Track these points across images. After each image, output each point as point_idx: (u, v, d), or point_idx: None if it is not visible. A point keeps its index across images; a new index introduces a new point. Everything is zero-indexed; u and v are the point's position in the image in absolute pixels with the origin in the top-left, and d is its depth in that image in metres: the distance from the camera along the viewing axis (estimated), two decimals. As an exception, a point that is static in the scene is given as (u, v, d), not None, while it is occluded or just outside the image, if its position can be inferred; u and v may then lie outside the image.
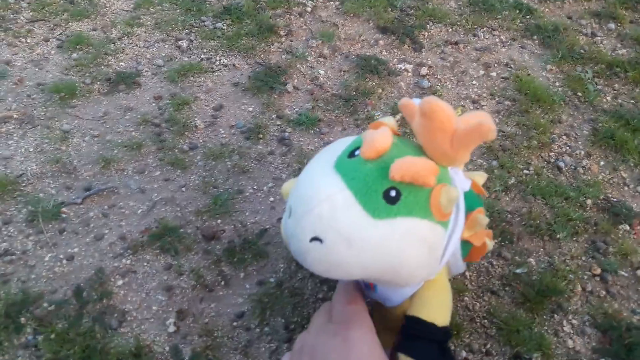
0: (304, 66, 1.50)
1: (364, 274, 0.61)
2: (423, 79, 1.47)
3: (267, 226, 1.10)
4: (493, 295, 1.00)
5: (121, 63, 1.48)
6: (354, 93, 1.41)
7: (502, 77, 1.52)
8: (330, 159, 0.62)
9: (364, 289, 0.76)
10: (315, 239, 0.57)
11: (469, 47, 1.61)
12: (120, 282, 1.01)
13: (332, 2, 1.74)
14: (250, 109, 1.36)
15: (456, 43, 1.60)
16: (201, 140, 1.27)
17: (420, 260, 0.61)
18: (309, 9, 1.70)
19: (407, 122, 0.67)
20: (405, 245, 0.58)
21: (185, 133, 1.28)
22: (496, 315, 0.96)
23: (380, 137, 0.59)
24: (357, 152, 0.60)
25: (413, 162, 0.57)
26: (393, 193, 0.57)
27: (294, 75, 1.46)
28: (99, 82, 1.41)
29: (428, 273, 0.65)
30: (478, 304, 0.99)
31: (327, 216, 0.56)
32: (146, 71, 1.46)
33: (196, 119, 1.32)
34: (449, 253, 0.65)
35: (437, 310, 0.71)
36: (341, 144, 0.66)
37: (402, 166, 0.56)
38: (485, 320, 0.96)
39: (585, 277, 1.04)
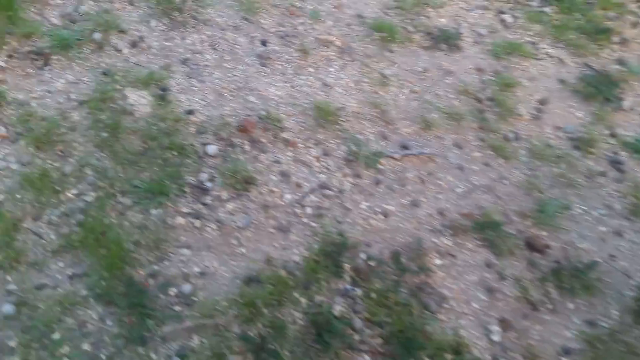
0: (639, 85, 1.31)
1: None
2: None
3: (598, 259, 0.97)
4: None
5: (441, 19, 1.38)
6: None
7: None
8: None
9: None
10: None
11: None
12: (438, 262, 0.93)
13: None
14: (579, 114, 1.21)
15: None
16: (525, 133, 1.15)
17: None
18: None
19: None
20: None
21: (509, 119, 1.17)
22: None
23: None
24: None
25: None
26: None
27: (629, 93, 1.28)
28: (419, 33, 1.32)
29: None
30: None
31: None
32: (467, 36, 1.34)
33: (519, 107, 1.20)
34: None
35: None
36: None
37: None
38: None
39: None
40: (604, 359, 0.85)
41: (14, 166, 0.94)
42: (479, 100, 1.21)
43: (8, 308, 0.80)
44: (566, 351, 0.86)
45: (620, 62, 1.37)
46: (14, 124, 0.99)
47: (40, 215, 0.89)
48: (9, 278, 0.82)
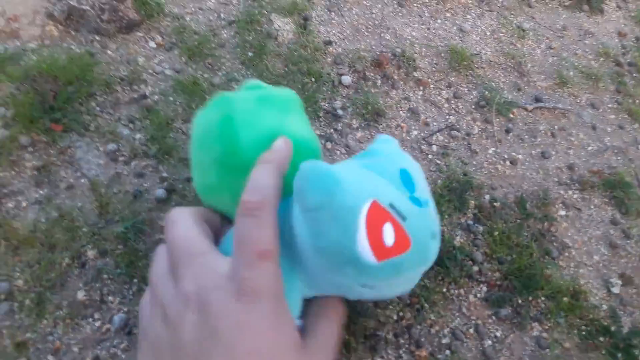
0: None
1: None
2: None
3: None
4: None
5: (585, -20, 1.33)
6: None
7: None
8: None
9: None
10: None
11: None
12: (563, 213, 0.92)
13: None
14: None
15: None
16: (665, 102, 1.10)
17: None
18: None
19: None
20: None
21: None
22: None
23: None
24: None
25: None
26: None
27: None
28: (563, -9, 1.28)
29: None
30: None
31: None
32: (610, 1, 1.29)
33: (662, 76, 1.14)
34: None
35: None
36: None
37: None
38: None
39: None
40: None
41: (168, 72, 1.02)
42: (618, 64, 1.17)
43: (161, 192, 0.88)
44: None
45: None
46: (169, 35, 1.07)
47: (189, 118, 0.96)
48: (161, 167, 0.90)
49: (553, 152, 1.00)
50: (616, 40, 1.20)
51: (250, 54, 1.06)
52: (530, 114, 1.04)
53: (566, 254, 0.88)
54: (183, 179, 0.89)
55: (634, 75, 1.12)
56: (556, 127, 1.03)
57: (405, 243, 0.41)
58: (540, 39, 1.17)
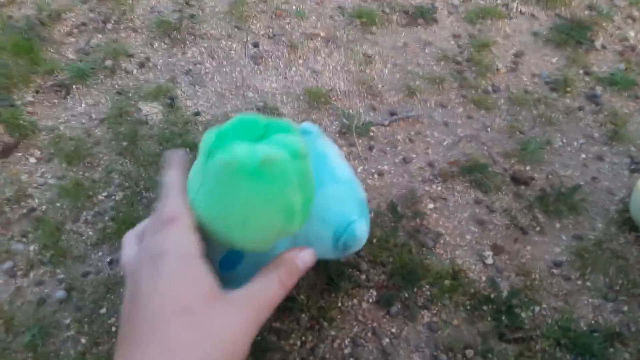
0: (611, 26, 1.39)
1: None
2: None
3: (581, 182, 1.05)
4: None
5: (416, -1, 1.48)
6: (673, 61, 1.28)
7: None
8: None
9: None
10: None
11: None
12: (431, 206, 1.02)
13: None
14: (554, 60, 1.29)
15: None
16: (504, 84, 1.24)
17: None
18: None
19: None
20: None
21: (487, 75, 1.25)
22: None
23: None
24: None
25: None
26: None
27: (600, 33, 1.36)
28: (397, 14, 1.42)
29: None
30: None
31: None
32: (442, 9, 1.44)
33: (497, 62, 1.28)
34: None
35: None
36: None
37: None
38: None
39: None
40: (592, 265, 0.93)
41: (51, 181, 1.08)
42: (457, 63, 1.30)
43: (61, 294, 0.93)
44: (556, 264, 0.94)
45: (590, 7, 1.45)
46: (47, 147, 1.14)
47: (78, 217, 1.02)
48: (58, 270, 0.96)
49: (413, 155, 1.10)
50: (452, 42, 1.33)
51: (125, 143, 1.14)
52: (388, 128, 1.15)
53: (441, 241, 0.97)
54: (80, 275, 0.94)
55: (473, 68, 1.25)
56: (412, 133, 1.14)
57: None
58: (386, 60, 1.29)
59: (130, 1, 1.45)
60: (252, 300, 0.45)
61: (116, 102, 1.22)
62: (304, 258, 0.51)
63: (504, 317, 0.87)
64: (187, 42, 1.36)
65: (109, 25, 1.41)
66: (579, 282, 0.91)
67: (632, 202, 0.93)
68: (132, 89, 1.24)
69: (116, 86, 1.26)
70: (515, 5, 1.45)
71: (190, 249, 0.44)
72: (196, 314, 0.41)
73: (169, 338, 0.39)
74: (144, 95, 1.22)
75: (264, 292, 0.47)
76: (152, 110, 1.20)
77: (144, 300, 0.41)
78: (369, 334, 0.86)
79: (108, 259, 0.95)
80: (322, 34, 1.38)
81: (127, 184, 1.07)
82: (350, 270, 0.91)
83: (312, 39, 1.36)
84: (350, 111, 1.19)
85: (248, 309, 0.44)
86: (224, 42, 1.36)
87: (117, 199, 1.05)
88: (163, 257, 0.43)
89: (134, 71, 1.29)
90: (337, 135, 1.14)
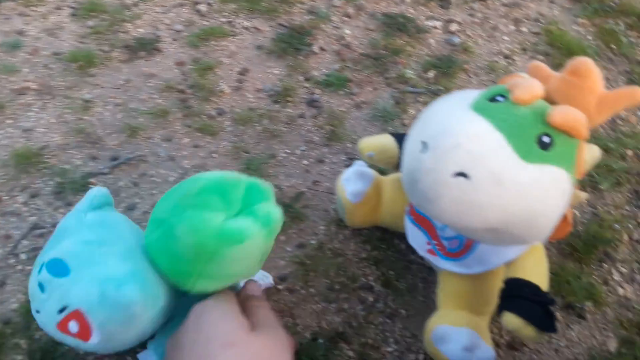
0: (329, 26, 1.44)
1: (499, 219, 0.59)
2: (453, 35, 1.42)
3: (303, 189, 1.06)
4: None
5: (139, 29, 1.43)
6: (383, 52, 1.36)
7: (533, 32, 1.46)
8: (462, 103, 0.62)
9: (441, 253, 0.76)
10: (460, 174, 0.55)
11: (497, 3, 1.55)
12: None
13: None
14: (276, 71, 1.31)
15: (484, -1, 1.54)
16: (228, 105, 1.23)
17: (557, 213, 0.60)
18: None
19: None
20: (550, 193, 0.58)
21: (212, 98, 1.24)
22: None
23: (536, 84, 0.60)
24: (499, 98, 0.60)
25: (572, 111, 0.57)
26: (546, 139, 0.58)
27: (319, 36, 1.41)
28: (117, 50, 1.36)
29: (550, 230, 0.63)
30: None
31: (478, 152, 0.55)
32: (166, 37, 1.40)
33: (221, 84, 1.27)
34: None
35: (539, 278, 0.69)
36: (465, 93, 0.66)
37: (564, 113, 0.57)
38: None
39: (631, 226, 1.02)
40: (314, 270, 0.94)
41: None
42: (181, 92, 1.27)
43: None
44: (281, 279, 0.93)
45: (311, 12, 1.49)
46: None
47: None
48: None
49: (138, 201, 1.04)
50: (176, 71, 1.30)
51: None
52: (110, 176, 1.08)
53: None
54: None
55: (197, 94, 1.23)
56: (136, 175, 1.08)
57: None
58: (107, 102, 1.22)
59: None
60: (270, 326, 0.63)
61: None
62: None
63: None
64: None
65: None
66: (303, 292, 0.91)
67: (337, 199, 0.96)
68: None
69: None
70: (239, 21, 1.45)
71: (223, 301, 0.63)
72: (238, 346, 0.56)
73: None
74: None
75: (268, 317, 0.66)
76: None
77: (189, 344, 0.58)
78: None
79: None
80: (34, 86, 1.27)
81: None
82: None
83: (23, 94, 1.25)
84: (67, 166, 1.10)
85: (273, 334, 0.62)
86: None
87: None
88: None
89: None
90: (53, 197, 1.04)
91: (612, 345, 0.89)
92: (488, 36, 1.44)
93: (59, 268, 0.64)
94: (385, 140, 0.87)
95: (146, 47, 1.38)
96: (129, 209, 1.04)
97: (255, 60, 1.35)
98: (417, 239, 0.82)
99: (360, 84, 1.28)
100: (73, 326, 0.61)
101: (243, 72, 1.32)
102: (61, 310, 0.63)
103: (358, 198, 0.87)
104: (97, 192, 0.74)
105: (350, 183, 0.89)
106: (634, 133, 1.21)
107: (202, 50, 1.38)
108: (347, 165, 1.09)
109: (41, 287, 0.65)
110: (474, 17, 1.50)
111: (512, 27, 1.48)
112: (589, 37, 1.48)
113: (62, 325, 0.62)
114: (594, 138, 1.15)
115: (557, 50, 1.41)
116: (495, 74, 1.33)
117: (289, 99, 1.24)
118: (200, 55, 1.36)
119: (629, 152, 1.17)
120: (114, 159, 1.12)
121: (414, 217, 0.81)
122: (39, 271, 0.66)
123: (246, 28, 1.45)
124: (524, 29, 1.48)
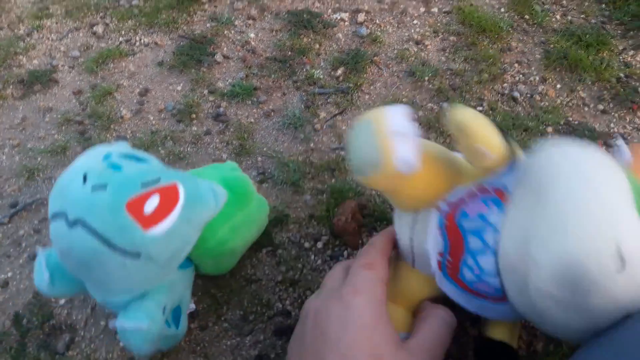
0: (232, 32, 1.39)
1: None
2: (361, 26, 1.38)
3: (213, 213, 1.02)
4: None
5: (34, 61, 1.36)
6: (290, 53, 1.31)
7: (445, 12, 1.43)
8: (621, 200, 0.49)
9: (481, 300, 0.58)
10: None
11: (405, -16, 1.51)
12: (62, 301, 0.92)
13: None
14: (179, 87, 1.26)
15: (390, -18, 1.50)
16: (129, 131, 1.17)
17: None
18: (229, -30, 1.57)
19: None
20: None
21: (111, 126, 1.18)
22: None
23: None
24: None
25: None
26: None
27: (222, 44, 1.35)
28: (11, 86, 1.29)
29: None
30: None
31: None
32: (62, 65, 1.33)
33: (121, 109, 1.21)
34: None
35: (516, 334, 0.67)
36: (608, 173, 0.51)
37: None
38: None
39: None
40: (227, 301, 0.90)
41: None
42: (80, 123, 1.21)
43: None
44: (192, 316, 0.90)
45: (213, 18, 1.43)
46: None
47: None
48: None
49: (41, 247, 0.98)
50: (74, 101, 1.23)
51: None
52: (10, 225, 1.02)
53: (76, 339, 0.87)
54: None
55: (96, 124, 1.17)
56: (37, 221, 1.03)
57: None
58: (4, 144, 1.15)
59: None
60: (428, 349, 0.53)
61: None
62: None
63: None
64: None
65: None
66: (216, 327, 0.88)
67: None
68: None
69: None
70: (138, 39, 1.39)
71: (379, 295, 0.54)
72: None
73: None
74: None
75: (434, 340, 0.55)
76: None
77: (333, 340, 0.50)
78: None
79: None
80: None
81: None
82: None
83: None
84: (-39, 226, 1.03)
85: (425, 353, 0.52)
86: None
87: None
88: (355, 296, 0.53)
89: None
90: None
91: None
92: (397, 22, 1.41)
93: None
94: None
95: (41, 79, 1.31)
96: (31, 259, 0.99)
97: (156, 79, 1.30)
98: (434, 242, 0.60)
99: (267, 91, 1.23)
100: (153, 201, 0.56)
101: (143, 92, 1.26)
102: (146, 184, 0.57)
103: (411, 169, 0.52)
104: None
105: (403, 142, 0.51)
106: (554, 107, 1.17)
107: (100, 75, 1.31)
108: (260, 180, 1.05)
109: (115, 166, 0.58)
110: (382, 2, 1.46)
111: (422, 9, 1.45)
112: (502, 10, 1.45)
113: (138, 202, 0.55)
114: (512, 118, 1.12)
115: (469, 29, 1.38)
116: (407, 62, 1.30)
117: (193, 116, 1.19)
118: (98, 81, 1.30)
119: (550, 129, 1.13)
120: (13, 205, 1.06)
121: (448, 222, 0.57)
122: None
123: (146, 44, 1.39)
124: (435, 9, 1.45)
